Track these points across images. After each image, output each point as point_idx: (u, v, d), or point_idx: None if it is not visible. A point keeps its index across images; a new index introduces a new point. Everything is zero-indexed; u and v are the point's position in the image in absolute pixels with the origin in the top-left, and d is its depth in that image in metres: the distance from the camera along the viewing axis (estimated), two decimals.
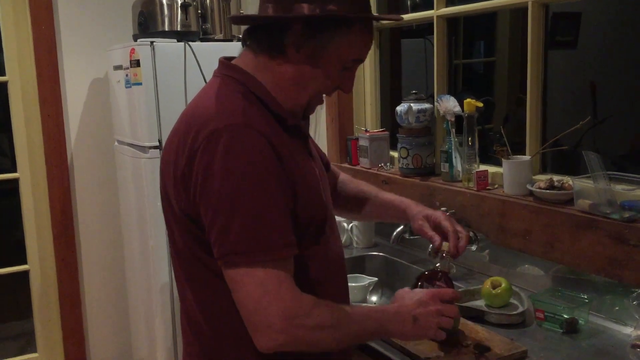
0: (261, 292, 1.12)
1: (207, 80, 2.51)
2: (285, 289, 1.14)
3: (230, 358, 1.27)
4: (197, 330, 1.30)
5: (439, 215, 1.54)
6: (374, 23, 1.34)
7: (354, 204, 1.70)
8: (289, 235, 1.16)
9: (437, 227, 1.52)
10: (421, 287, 1.46)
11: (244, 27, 1.34)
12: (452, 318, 1.34)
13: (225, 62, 1.31)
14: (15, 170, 3.01)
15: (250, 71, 1.26)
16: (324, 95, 1.33)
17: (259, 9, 1.26)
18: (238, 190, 1.12)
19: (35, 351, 3.18)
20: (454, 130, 2.17)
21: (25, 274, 3.08)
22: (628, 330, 1.57)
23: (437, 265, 1.50)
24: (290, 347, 1.15)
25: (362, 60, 1.29)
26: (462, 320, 1.59)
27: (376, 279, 2.06)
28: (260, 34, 1.25)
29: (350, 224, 2.52)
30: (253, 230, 1.12)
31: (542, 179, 1.87)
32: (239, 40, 2.80)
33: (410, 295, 1.36)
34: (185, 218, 1.21)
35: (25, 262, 3.07)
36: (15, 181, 3.01)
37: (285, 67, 1.23)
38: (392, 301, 1.39)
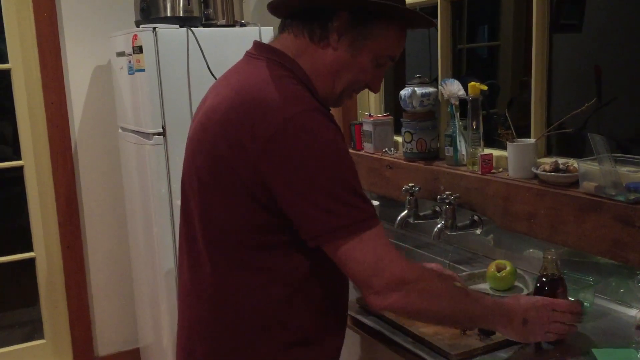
0: (376, 258, 1.18)
1: (210, 66, 2.52)
2: (395, 255, 1.20)
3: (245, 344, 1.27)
4: (218, 326, 1.30)
5: (439, 267, 1.66)
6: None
7: None
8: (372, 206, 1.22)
9: None
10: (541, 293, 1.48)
11: (263, 14, 1.34)
12: (564, 324, 1.37)
13: (263, 45, 1.31)
14: (19, 158, 3.01)
15: (292, 56, 1.27)
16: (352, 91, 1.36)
17: None
18: (331, 167, 1.16)
19: (42, 338, 3.20)
20: (458, 114, 2.16)
21: (31, 261, 3.10)
22: (633, 312, 1.57)
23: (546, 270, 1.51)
24: (402, 307, 1.22)
25: (394, 59, 1.33)
26: None
27: None
28: (304, 18, 1.27)
29: None
30: (356, 202, 1.17)
31: (547, 161, 1.87)
32: (241, 25, 2.80)
33: (526, 298, 1.40)
34: (255, 195, 1.18)
35: (31, 250, 3.09)
36: (20, 169, 3.01)
37: (325, 54, 1.26)
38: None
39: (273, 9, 1.31)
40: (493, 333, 1.47)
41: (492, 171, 2.04)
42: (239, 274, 1.26)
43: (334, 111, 2.86)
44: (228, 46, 2.55)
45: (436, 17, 2.37)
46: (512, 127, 1.95)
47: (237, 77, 1.29)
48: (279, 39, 1.31)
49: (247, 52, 1.33)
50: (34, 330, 3.32)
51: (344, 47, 1.25)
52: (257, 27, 2.69)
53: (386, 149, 2.53)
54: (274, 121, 1.14)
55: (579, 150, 2.03)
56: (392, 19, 1.26)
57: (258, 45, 1.32)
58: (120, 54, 2.71)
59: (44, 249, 3.10)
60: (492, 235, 2.08)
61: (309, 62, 1.26)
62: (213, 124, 1.23)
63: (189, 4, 2.61)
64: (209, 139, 1.23)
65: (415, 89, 2.27)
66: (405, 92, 2.30)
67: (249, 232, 1.22)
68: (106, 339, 3.25)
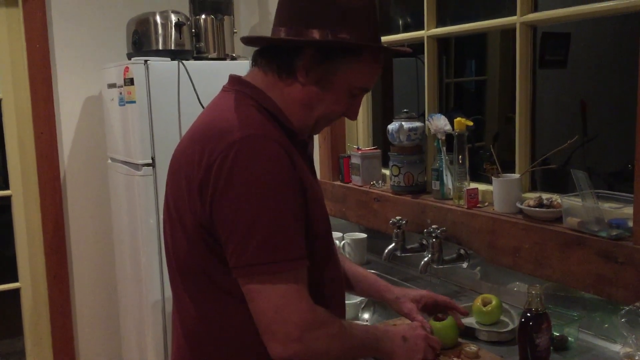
0: (281, 303, 1.14)
1: (201, 99, 2.54)
2: (303, 301, 1.17)
3: None
4: (198, 347, 1.30)
5: (431, 294, 1.63)
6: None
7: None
8: (303, 247, 1.18)
9: (433, 306, 1.62)
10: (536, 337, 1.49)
11: (252, 48, 1.37)
12: (435, 349, 1.44)
13: (236, 78, 1.33)
14: (7, 188, 3.01)
15: (261, 88, 1.28)
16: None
17: (272, 31, 1.30)
18: (258, 201, 1.13)
19: None
20: (444, 148, 2.19)
21: (16, 292, 3.07)
22: (617, 348, 1.58)
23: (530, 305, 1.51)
24: (304, 356, 1.18)
25: (367, 90, 1.32)
26: None
27: None
28: (271, 55, 1.28)
29: (343, 242, 2.53)
30: (274, 242, 1.14)
31: (532, 197, 1.89)
32: (232, 59, 2.84)
33: (397, 326, 1.49)
34: (199, 229, 1.20)
35: (16, 280, 3.06)
36: (8, 198, 3.00)
37: (294, 89, 1.26)
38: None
39: (247, 43, 1.34)
40: None
41: (478, 205, 2.05)
42: (208, 298, 1.26)
43: (322, 144, 2.89)
44: (219, 79, 2.50)
45: (424, 53, 2.40)
46: (497, 162, 1.98)
47: (206, 111, 1.33)
48: (251, 73, 1.33)
49: (223, 86, 1.36)
50: None
51: (312, 82, 1.25)
52: (248, 61, 2.70)
53: (374, 181, 2.55)
54: (220, 146, 1.15)
55: (564, 185, 2.06)
56: (361, 53, 1.25)
57: (231, 78, 1.34)
58: (112, 86, 2.73)
59: (30, 279, 3.07)
60: (478, 268, 2.09)
61: (280, 97, 1.27)
62: (179, 157, 1.28)
63: (180, 38, 2.65)
64: (176, 172, 1.28)
65: (403, 123, 2.30)
66: (392, 126, 2.33)
67: (210, 260, 1.22)
68: None
